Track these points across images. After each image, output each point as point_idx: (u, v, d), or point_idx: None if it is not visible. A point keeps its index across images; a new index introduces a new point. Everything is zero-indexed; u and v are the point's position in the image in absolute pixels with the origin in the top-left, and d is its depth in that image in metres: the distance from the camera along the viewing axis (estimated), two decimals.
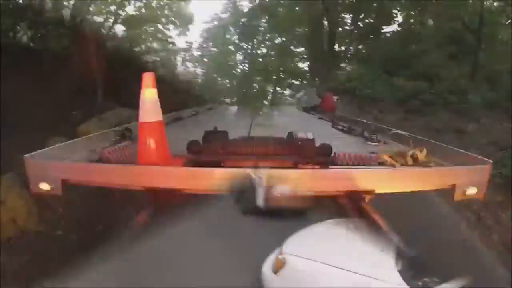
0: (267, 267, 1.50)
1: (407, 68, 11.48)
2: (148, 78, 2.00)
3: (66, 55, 8.26)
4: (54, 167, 1.74)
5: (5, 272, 2.82)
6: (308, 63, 16.18)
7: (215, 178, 1.51)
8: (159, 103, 1.94)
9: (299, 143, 2.31)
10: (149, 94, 1.88)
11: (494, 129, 7.04)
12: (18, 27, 11.00)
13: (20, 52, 7.98)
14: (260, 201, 1.55)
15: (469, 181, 1.73)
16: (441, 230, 3.77)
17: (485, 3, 10.43)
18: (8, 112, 5.54)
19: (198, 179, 1.45)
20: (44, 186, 1.80)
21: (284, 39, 16.84)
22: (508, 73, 9.06)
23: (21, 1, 9.19)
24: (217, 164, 2.03)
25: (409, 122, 8.13)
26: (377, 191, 1.52)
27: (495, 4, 10.97)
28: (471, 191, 1.77)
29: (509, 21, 11.11)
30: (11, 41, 9.72)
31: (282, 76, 16.41)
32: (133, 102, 7.38)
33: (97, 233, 3.52)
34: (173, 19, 11.19)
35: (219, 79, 12.20)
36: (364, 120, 5.01)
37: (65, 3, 9.03)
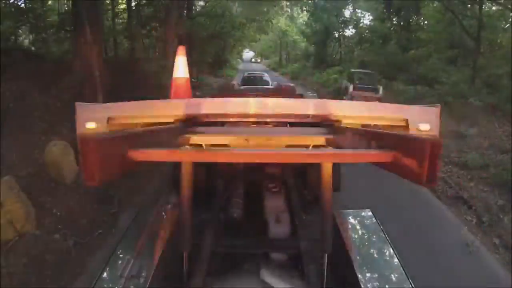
0: None
1: (407, 73, 11.57)
2: (181, 49, 2.87)
3: (67, 58, 8.32)
4: (101, 107, 1.90)
5: (2, 275, 2.80)
6: None
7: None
8: (187, 66, 2.81)
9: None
10: (180, 58, 2.84)
11: (494, 133, 7.04)
12: (20, 31, 11.12)
13: (21, 55, 8.03)
14: None
15: (421, 118, 1.82)
16: (443, 234, 3.77)
17: (483, 7, 10.49)
18: (9, 115, 5.56)
19: (226, 105, 1.89)
20: (90, 125, 1.87)
21: None
22: (508, 76, 9.09)
23: (22, 5, 9.25)
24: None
25: None
26: (343, 120, 1.78)
27: (493, 8, 11.05)
28: (424, 127, 1.84)
29: (508, 25, 11.19)
30: (12, 44, 9.79)
31: None
32: None
33: (96, 238, 3.50)
34: None
35: None
36: None
37: None
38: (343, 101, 1.98)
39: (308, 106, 1.80)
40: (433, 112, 1.78)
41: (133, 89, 7.92)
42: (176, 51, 2.83)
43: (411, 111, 1.79)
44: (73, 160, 4.28)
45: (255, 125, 2.49)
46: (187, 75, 2.87)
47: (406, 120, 1.71)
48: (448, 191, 4.82)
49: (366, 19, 20.76)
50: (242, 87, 7.69)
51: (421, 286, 1.77)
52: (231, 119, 2.02)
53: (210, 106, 1.81)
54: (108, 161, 0.83)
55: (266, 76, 12.06)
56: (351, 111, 1.81)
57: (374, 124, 1.80)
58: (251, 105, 1.71)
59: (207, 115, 1.79)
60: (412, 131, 1.77)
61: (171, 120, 1.76)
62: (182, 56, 2.90)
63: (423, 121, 1.78)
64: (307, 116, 1.73)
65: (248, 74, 12.11)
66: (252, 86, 9.68)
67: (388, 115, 1.81)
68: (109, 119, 1.75)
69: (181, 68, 2.86)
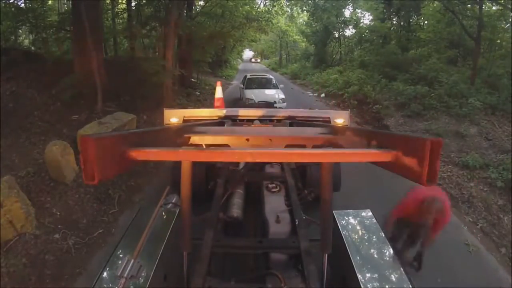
0: None
1: (407, 73, 11.56)
2: (218, 83, 6.40)
3: (67, 58, 8.32)
4: (179, 111, 3.48)
5: (2, 275, 2.80)
6: None
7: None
8: (221, 91, 6.15)
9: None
10: (218, 88, 6.16)
11: (495, 133, 7.03)
12: (20, 31, 11.10)
13: (21, 55, 8.02)
14: None
15: (337, 117, 3.55)
16: (443, 234, 3.76)
17: (483, 7, 10.48)
18: (8, 115, 5.55)
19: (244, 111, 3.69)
20: (173, 120, 3.44)
21: None
22: (508, 76, 9.09)
23: (22, 5, 9.25)
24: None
25: (409, 126, 8.14)
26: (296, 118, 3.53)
27: (493, 8, 11.04)
28: (339, 121, 3.54)
29: (508, 25, 11.18)
30: (12, 45, 9.78)
31: None
32: (132, 106, 7.39)
33: (96, 237, 3.50)
34: None
35: None
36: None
37: None
38: (298, 108, 3.91)
39: (278, 112, 3.77)
40: (346, 113, 3.68)
41: (132, 89, 7.91)
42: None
43: (331, 113, 3.68)
44: (73, 160, 4.28)
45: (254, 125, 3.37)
46: (221, 96, 5.95)
47: (329, 118, 3.52)
48: (448, 190, 4.82)
49: (366, 19, 20.76)
50: (247, 91, 9.94)
51: (422, 285, 1.77)
52: (245, 118, 3.59)
53: (234, 111, 3.64)
54: (107, 160, 0.83)
55: (271, 78, 11.26)
56: (299, 114, 3.62)
57: (315, 120, 3.42)
58: (256, 111, 3.72)
59: (234, 116, 3.53)
60: (332, 123, 3.44)
61: (216, 118, 3.45)
62: (219, 86, 6.10)
63: (339, 118, 3.54)
64: (278, 116, 3.63)
65: (251, 75, 11.34)
66: (258, 89, 9.47)
67: (319, 115, 3.62)
68: (184, 118, 3.40)
69: (219, 93, 5.91)
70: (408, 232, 2.69)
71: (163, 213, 2.20)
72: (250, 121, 3.63)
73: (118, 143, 0.91)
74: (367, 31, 18.52)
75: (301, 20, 27.21)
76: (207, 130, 2.07)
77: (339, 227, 2.07)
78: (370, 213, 2.24)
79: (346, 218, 2.19)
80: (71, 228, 3.52)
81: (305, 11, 23.87)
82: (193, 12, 13.64)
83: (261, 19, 16.29)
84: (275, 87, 10.53)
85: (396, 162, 0.92)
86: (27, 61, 7.69)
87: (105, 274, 1.68)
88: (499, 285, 3.08)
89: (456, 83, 9.33)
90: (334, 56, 22.26)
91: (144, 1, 11.71)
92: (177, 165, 3.36)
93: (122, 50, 12.90)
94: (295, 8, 24.60)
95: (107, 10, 12.05)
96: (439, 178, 4.70)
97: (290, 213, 2.31)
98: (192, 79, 13.03)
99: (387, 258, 1.82)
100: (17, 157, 4.55)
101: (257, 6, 18.49)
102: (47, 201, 3.84)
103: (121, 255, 1.82)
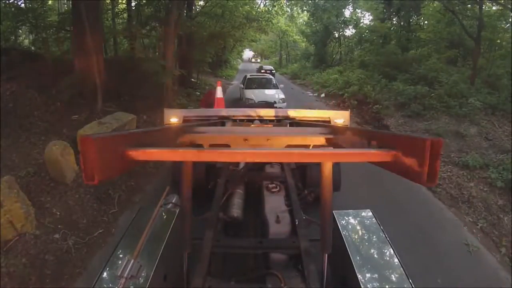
0: None
1: (407, 73, 11.56)
2: (219, 83, 5.86)
3: (67, 58, 8.31)
4: (179, 111, 3.46)
5: (2, 275, 2.80)
6: None
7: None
8: (222, 91, 5.60)
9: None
10: (219, 88, 5.54)
11: (495, 133, 7.03)
12: (20, 31, 11.10)
13: (21, 55, 8.02)
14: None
15: (338, 117, 3.43)
16: (443, 234, 3.76)
17: (483, 7, 10.49)
18: (8, 115, 5.55)
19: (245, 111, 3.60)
20: (173, 120, 3.41)
21: None
22: (508, 76, 9.09)
23: (22, 5, 9.24)
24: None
25: (409, 126, 8.14)
26: (296, 118, 3.44)
27: (493, 8, 11.04)
28: (339, 121, 3.42)
29: (508, 25, 11.18)
30: (12, 45, 9.78)
31: None
32: (132, 106, 7.38)
33: (96, 237, 3.50)
34: None
35: None
36: None
37: None
38: (297, 109, 3.67)
39: (277, 112, 3.65)
40: (346, 113, 3.51)
41: (132, 89, 7.91)
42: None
43: (331, 113, 3.55)
44: (73, 160, 4.28)
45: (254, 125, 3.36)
46: (222, 96, 5.63)
47: (329, 118, 3.42)
48: (448, 190, 4.82)
49: (366, 19, 20.81)
50: (247, 91, 9.92)
51: (422, 285, 1.77)
52: (245, 118, 3.57)
53: (234, 112, 3.62)
54: (107, 160, 0.83)
55: (271, 78, 11.40)
56: (299, 114, 3.54)
57: (315, 120, 3.33)
58: (256, 111, 3.64)
59: (234, 116, 3.53)
60: (332, 123, 3.35)
61: (216, 118, 3.46)
62: (219, 87, 5.79)
63: (339, 118, 3.42)
64: (277, 117, 3.57)
65: (251, 75, 11.43)
66: (258, 89, 9.63)
67: (319, 115, 3.53)
68: (184, 117, 3.38)
69: (219, 93, 5.63)
70: None
71: (163, 213, 2.19)
72: (250, 121, 3.63)
73: (118, 143, 0.91)
74: (367, 31, 18.54)
75: (301, 20, 27.25)
76: (207, 130, 2.07)
77: (339, 227, 2.07)
78: (370, 213, 2.24)
79: (346, 218, 2.19)
80: (71, 228, 3.52)
81: (305, 11, 23.92)
82: (193, 12, 13.63)
83: (261, 19, 16.28)
84: (275, 87, 10.63)
85: (396, 162, 0.92)
86: (27, 61, 7.69)
87: (105, 274, 1.68)
88: (499, 285, 3.08)
89: (456, 83, 9.33)
90: (334, 56, 22.29)
91: (144, 1, 11.70)
92: (177, 165, 3.36)
93: (122, 50, 12.89)
94: (295, 8, 24.63)
95: (107, 10, 12.05)
96: (439, 178, 4.71)
97: (290, 213, 2.30)
98: (192, 79, 13.02)
99: (387, 258, 1.82)
100: (17, 157, 4.55)
101: (257, 6, 18.49)
102: (47, 201, 3.84)
103: (121, 255, 1.81)
